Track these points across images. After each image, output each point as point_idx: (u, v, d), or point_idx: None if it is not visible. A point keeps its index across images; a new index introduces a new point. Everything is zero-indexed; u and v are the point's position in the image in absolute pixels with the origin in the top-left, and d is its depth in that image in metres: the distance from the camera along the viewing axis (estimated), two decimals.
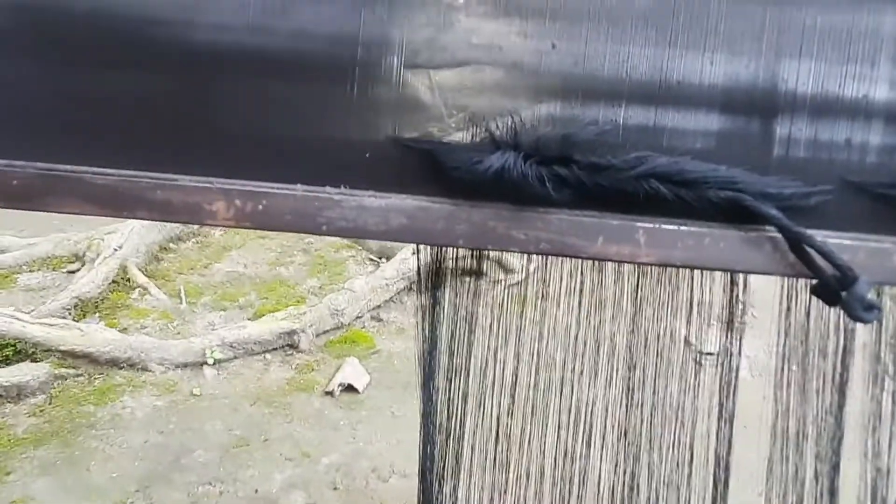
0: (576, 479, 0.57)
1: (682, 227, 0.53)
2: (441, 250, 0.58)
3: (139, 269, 2.51)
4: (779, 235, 0.52)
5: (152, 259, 2.62)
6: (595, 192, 0.51)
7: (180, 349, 2.12)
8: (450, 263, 0.58)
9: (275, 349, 2.28)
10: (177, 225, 2.60)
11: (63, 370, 1.98)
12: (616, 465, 0.55)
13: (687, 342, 0.60)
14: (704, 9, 0.52)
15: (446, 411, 0.57)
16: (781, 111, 0.52)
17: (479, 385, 0.57)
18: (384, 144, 0.53)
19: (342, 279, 2.63)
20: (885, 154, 0.53)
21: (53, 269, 2.53)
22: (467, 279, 0.59)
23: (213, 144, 0.54)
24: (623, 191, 0.51)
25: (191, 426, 1.90)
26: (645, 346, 0.59)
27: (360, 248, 2.88)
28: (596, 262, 0.57)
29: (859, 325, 0.55)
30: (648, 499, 0.56)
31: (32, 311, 2.21)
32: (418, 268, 0.59)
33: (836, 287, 0.51)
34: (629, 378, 0.59)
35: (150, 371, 2.06)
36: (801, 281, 0.56)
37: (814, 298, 0.54)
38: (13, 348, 1.99)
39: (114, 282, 2.43)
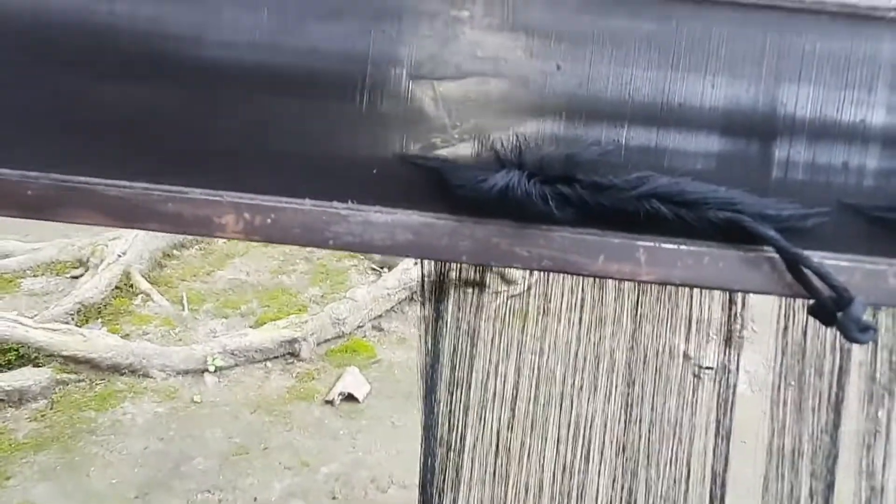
0: (574, 494, 0.57)
1: (682, 247, 0.54)
2: (444, 264, 0.59)
3: (142, 276, 2.52)
4: (777, 256, 0.53)
5: (155, 265, 2.63)
6: (597, 210, 0.52)
7: (182, 356, 2.13)
8: (453, 276, 0.59)
9: (276, 357, 2.29)
10: None
11: (65, 375, 1.99)
12: (614, 481, 0.56)
13: (686, 356, 0.61)
14: (706, 33, 0.53)
15: (447, 424, 0.57)
16: (780, 134, 0.54)
17: (479, 398, 0.58)
18: (391, 161, 0.54)
19: (344, 288, 2.64)
20: (881, 178, 0.54)
21: (57, 275, 2.54)
22: (470, 291, 0.60)
23: (223, 159, 0.55)
24: (624, 210, 0.52)
25: (191, 433, 1.91)
26: (644, 363, 0.60)
27: (362, 257, 2.89)
28: (597, 279, 0.58)
29: (855, 345, 0.56)
30: None
31: (35, 315, 2.22)
32: (422, 281, 0.60)
33: (832, 308, 0.51)
34: (628, 394, 0.59)
35: (152, 377, 2.06)
36: (799, 301, 0.57)
37: (811, 318, 0.55)
38: (16, 353, 2.00)
39: (117, 288, 2.44)
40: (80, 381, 2.01)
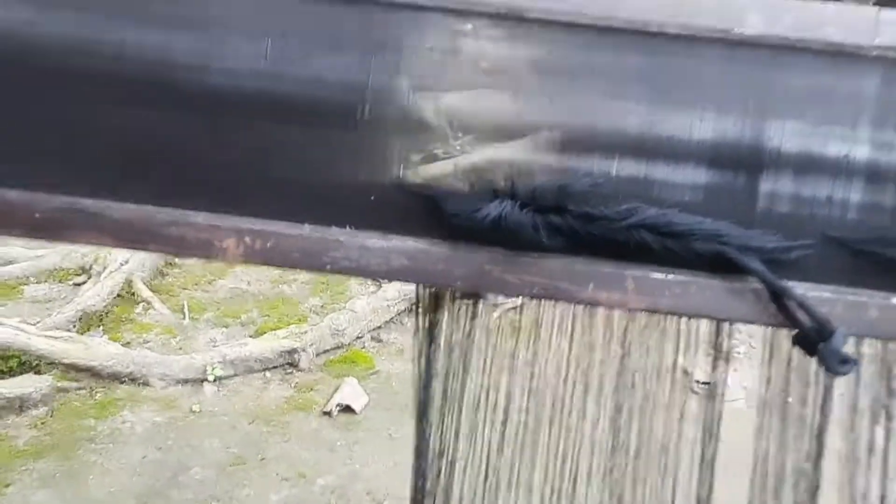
0: None
1: (670, 276, 0.55)
2: (439, 288, 0.61)
3: (144, 284, 2.54)
4: (762, 286, 0.54)
5: (157, 274, 2.65)
6: (587, 240, 0.54)
7: (182, 365, 2.14)
8: (447, 297, 0.61)
9: (275, 367, 2.30)
10: None
11: (65, 383, 2.00)
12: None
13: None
14: (694, 69, 0.55)
15: (438, 446, 0.59)
16: (766, 168, 0.55)
17: (471, 421, 0.60)
18: (388, 188, 0.56)
19: (344, 299, 2.66)
20: (864, 211, 0.55)
21: (60, 282, 2.56)
22: (463, 314, 0.61)
23: (226, 184, 0.57)
24: (614, 240, 0.54)
25: (189, 443, 1.92)
26: (632, 387, 0.61)
27: None
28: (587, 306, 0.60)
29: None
30: None
31: (38, 322, 2.23)
32: (417, 303, 0.61)
33: (814, 338, 0.53)
34: (616, 419, 0.61)
35: (151, 386, 2.08)
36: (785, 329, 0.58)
37: (795, 347, 0.56)
38: (18, 360, 2.02)
39: (119, 295, 2.46)
40: (80, 388, 2.02)
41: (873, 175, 0.55)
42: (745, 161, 0.55)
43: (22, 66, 0.55)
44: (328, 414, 2.12)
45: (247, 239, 0.56)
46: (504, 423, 0.60)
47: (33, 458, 1.81)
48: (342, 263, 0.56)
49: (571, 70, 0.55)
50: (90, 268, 2.56)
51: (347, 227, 0.56)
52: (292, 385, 2.25)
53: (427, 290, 0.61)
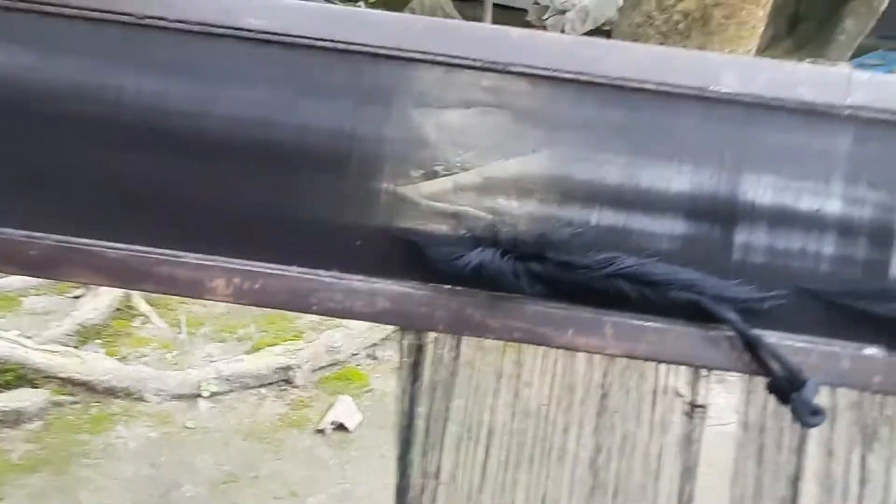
0: None
1: (648, 323, 0.57)
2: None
3: (143, 298, 2.55)
4: (736, 335, 0.56)
5: None
6: (566, 287, 0.56)
7: (177, 380, 2.15)
8: (431, 337, 0.62)
9: (270, 384, 2.31)
10: None
11: (61, 397, 2.01)
12: None
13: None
14: (673, 123, 0.57)
15: (420, 485, 0.60)
16: (741, 220, 0.57)
17: (452, 460, 0.61)
18: (374, 233, 0.58)
19: None
20: (836, 264, 0.57)
21: (59, 294, 2.58)
22: (446, 353, 0.63)
23: (216, 226, 0.58)
24: (592, 288, 0.55)
25: (182, 459, 1.92)
26: (611, 429, 0.62)
27: None
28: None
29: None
30: None
31: (36, 335, 2.25)
32: (401, 342, 0.63)
33: (787, 387, 0.54)
34: (595, 460, 0.62)
35: (146, 401, 2.08)
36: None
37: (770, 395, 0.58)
38: (14, 373, 2.03)
39: (117, 309, 2.47)
40: (75, 403, 2.03)
41: (845, 229, 0.56)
42: (721, 213, 0.57)
43: (21, 109, 0.57)
44: (322, 432, 2.13)
45: (236, 279, 0.58)
46: (484, 463, 0.62)
47: (27, 472, 1.82)
48: (328, 305, 0.58)
49: (553, 122, 0.57)
50: None
51: (334, 270, 0.58)
52: (287, 402, 2.26)
53: (411, 331, 0.62)
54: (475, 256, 0.54)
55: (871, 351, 0.56)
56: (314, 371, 2.40)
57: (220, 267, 0.58)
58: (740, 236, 0.57)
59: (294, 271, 0.58)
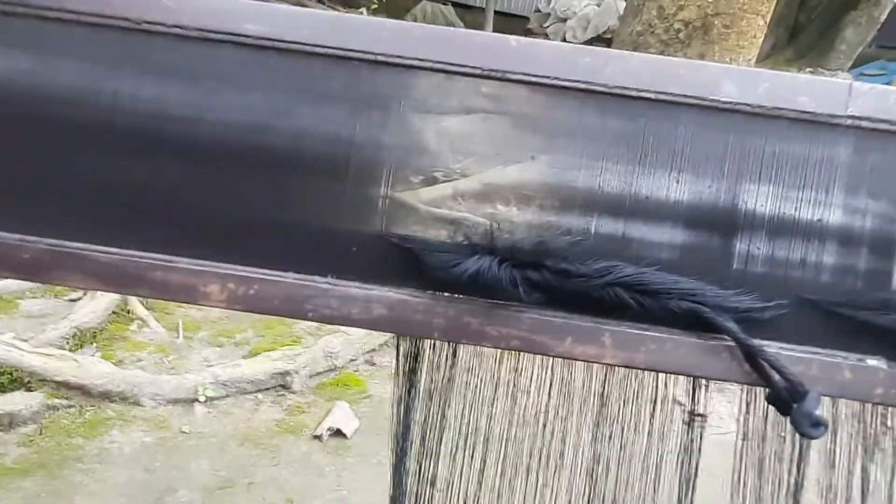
0: None
1: (646, 332, 0.56)
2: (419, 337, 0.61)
3: (140, 302, 2.54)
4: (736, 345, 0.55)
5: None
6: (564, 296, 0.55)
7: (173, 385, 2.14)
8: (427, 342, 0.61)
9: (267, 389, 2.30)
10: None
11: (55, 401, 2.00)
12: None
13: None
14: (672, 132, 0.56)
15: (415, 494, 0.59)
16: (741, 229, 0.56)
17: (447, 469, 0.60)
18: (370, 239, 0.57)
19: None
20: (837, 274, 0.56)
21: (56, 297, 2.57)
22: (443, 361, 0.62)
23: (210, 231, 0.58)
24: (590, 296, 0.55)
25: (177, 465, 1.91)
26: (609, 440, 0.62)
27: None
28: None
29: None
30: None
31: (32, 338, 2.24)
32: (397, 349, 0.62)
33: (787, 398, 0.53)
34: (593, 469, 0.61)
35: (142, 406, 2.07)
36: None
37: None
38: (9, 376, 2.02)
39: (114, 312, 2.46)
40: (70, 406, 2.02)
41: (846, 239, 0.56)
42: (721, 222, 0.56)
43: (16, 112, 0.57)
44: (318, 438, 2.11)
45: (230, 285, 0.57)
46: (481, 472, 0.61)
47: (20, 476, 1.80)
48: (323, 312, 0.57)
49: (552, 130, 0.57)
50: None
51: (329, 277, 0.57)
52: (284, 407, 2.25)
53: (407, 338, 0.62)
54: (472, 264, 0.53)
55: (873, 362, 0.56)
56: (311, 377, 2.39)
57: (215, 272, 0.57)
58: (740, 245, 0.56)
59: (289, 277, 0.57)
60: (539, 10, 7.73)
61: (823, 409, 0.57)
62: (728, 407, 2.47)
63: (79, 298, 2.54)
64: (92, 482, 1.81)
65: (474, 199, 0.56)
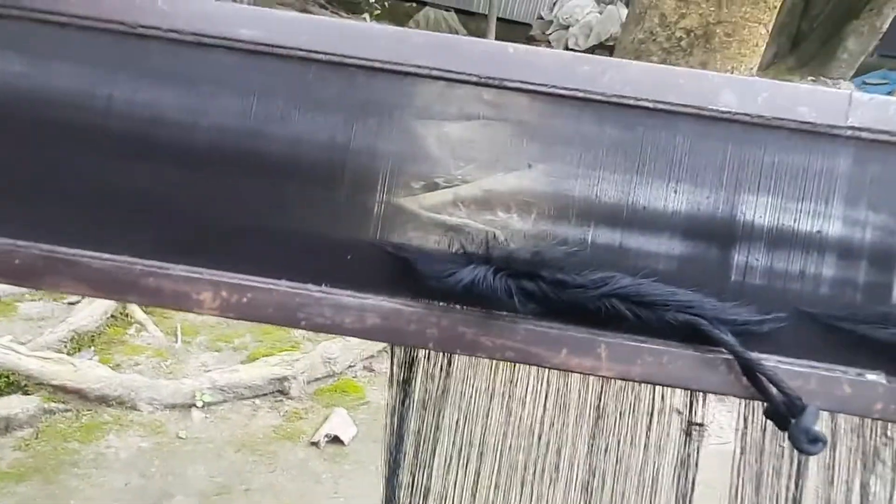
0: None
1: (643, 344, 0.56)
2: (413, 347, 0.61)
3: (138, 306, 2.53)
4: (734, 358, 0.55)
5: None
6: (560, 306, 0.54)
7: (170, 390, 2.13)
8: (422, 352, 0.61)
9: (265, 394, 2.29)
10: None
11: (52, 404, 1.99)
12: None
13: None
14: (670, 142, 0.56)
15: None
16: (739, 240, 0.56)
17: (441, 481, 0.59)
18: (365, 248, 0.56)
19: None
20: (836, 287, 0.55)
21: (55, 300, 2.56)
22: (438, 371, 0.61)
23: (204, 237, 0.57)
24: (587, 308, 0.54)
25: (173, 470, 1.90)
26: (606, 452, 0.61)
27: None
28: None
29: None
30: None
31: (30, 341, 2.23)
32: (391, 358, 0.62)
33: (785, 413, 0.53)
34: (589, 483, 0.60)
35: (139, 410, 2.06)
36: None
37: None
38: (6, 380, 2.01)
39: (112, 316, 2.45)
40: (67, 410, 2.01)
41: (846, 252, 0.55)
42: (719, 233, 0.56)
43: (9, 116, 0.56)
44: (316, 444, 2.10)
45: (223, 292, 0.57)
46: (475, 485, 0.60)
47: (15, 480, 1.79)
48: (316, 320, 0.57)
49: (551, 137, 0.56)
50: None
51: (323, 285, 0.57)
52: (281, 413, 2.24)
53: (402, 347, 0.61)
54: (467, 274, 0.53)
55: (873, 377, 0.55)
56: (310, 382, 2.38)
57: (208, 279, 0.57)
58: (739, 257, 0.56)
59: (283, 285, 0.57)
60: (542, 17, 7.75)
61: (822, 424, 0.56)
62: (728, 416, 2.46)
63: (77, 302, 2.53)
64: (88, 487, 1.80)
65: (474, 206, 0.56)
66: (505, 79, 0.55)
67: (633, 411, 0.60)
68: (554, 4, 7.65)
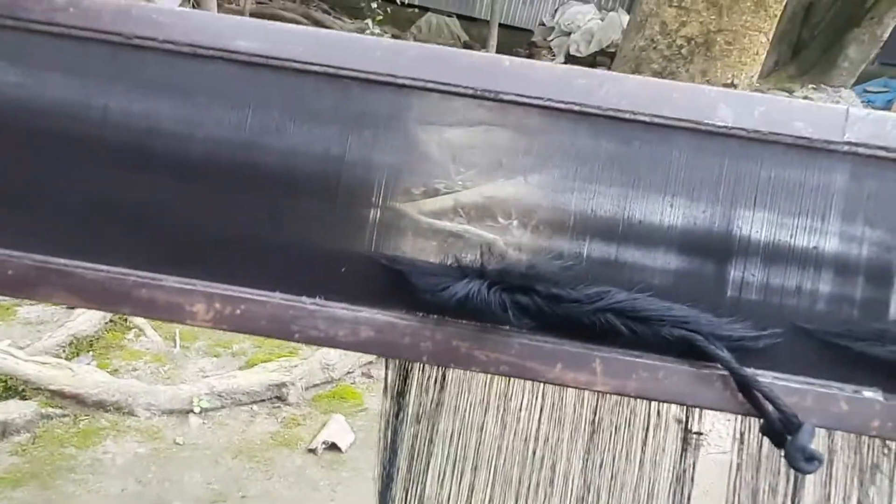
0: None
1: (638, 359, 0.55)
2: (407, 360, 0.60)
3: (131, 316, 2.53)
4: (729, 374, 0.54)
5: None
6: (555, 321, 0.54)
7: (168, 395, 2.13)
8: (416, 364, 0.60)
9: (263, 401, 2.28)
10: None
11: (50, 409, 1.99)
12: None
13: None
14: (666, 156, 0.56)
15: None
16: (736, 255, 0.55)
17: (435, 496, 0.59)
18: (359, 261, 0.56)
19: None
20: (833, 303, 0.55)
21: (54, 304, 2.56)
22: (432, 384, 0.61)
23: (198, 249, 0.57)
24: (582, 322, 0.54)
25: (170, 477, 1.89)
26: (601, 468, 0.60)
27: None
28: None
29: None
30: None
31: (28, 346, 2.23)
32: (385, 370, 0.61)
33: (781, 430, 0.52)
34: (584, 498, 0.60)
35: (136, 416, 2.06)
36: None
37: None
38: (4, 384, 2.00)
39: (111, 321, 2.45)
40: (64, 415, 2.00)
41: (843, 268, 0.55)
42: (715, 248, 0.55)
43: (3, 127, 0.56)
44: (313, 451, 2.09)
45: (217, 304, 0.56)
46: (469, 499, 0.60)
47: (11, 486, 1.79)
48: (310, 333, 0.56)
49: (546, 151, 0.56)
50: None
51: (317, 297, 0.56)
52: (279, 420, 2.23)
53: (396, 360, 0.61)
54: (462, 288, 0.52)
55: (869, 394, 0.54)
56: (308, 389, 2.37)
57: (201, 291, 0.56)
58: (735, 272, 0.55)
59: (276, 298, 0.56)
60: (543, 24, 7.77)
61: (819, 441, 0.55)
62: (727, 426, 2.45)
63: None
64: (84, 493, 1.79)
65: (474, 212, 0.55)
66: (501, 91, 0.55)
67: (629, 426, 0.60)
68: (556, 11, 7.67)
